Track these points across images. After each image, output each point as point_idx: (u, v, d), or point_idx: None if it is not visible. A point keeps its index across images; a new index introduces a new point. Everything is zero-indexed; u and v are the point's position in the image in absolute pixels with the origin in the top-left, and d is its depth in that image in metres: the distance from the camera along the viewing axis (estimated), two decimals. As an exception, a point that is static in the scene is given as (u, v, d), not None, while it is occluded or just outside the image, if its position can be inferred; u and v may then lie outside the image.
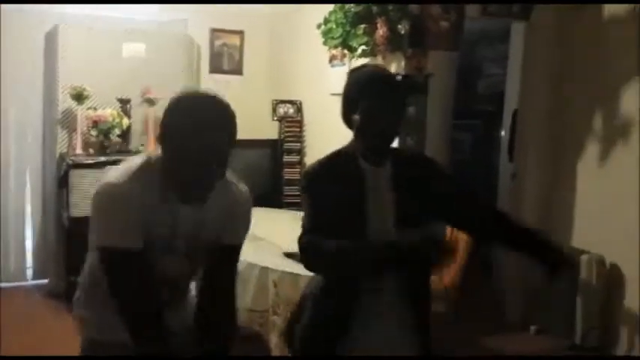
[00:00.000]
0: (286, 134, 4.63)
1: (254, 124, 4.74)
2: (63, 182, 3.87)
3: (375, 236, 1.61)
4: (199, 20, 4.69)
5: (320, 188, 1.66)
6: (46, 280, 4.24)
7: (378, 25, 3.44)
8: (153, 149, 4.20)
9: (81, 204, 3.81)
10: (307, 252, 1.63)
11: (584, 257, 3.13)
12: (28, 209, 4.33)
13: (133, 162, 1.44)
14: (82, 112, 4.04)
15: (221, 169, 1.40)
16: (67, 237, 3.93)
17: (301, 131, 4.69)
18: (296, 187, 4.60)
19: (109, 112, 4.06)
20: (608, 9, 3.24)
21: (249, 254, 2.45)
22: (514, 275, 3.75)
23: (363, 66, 1.88)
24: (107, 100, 4.19)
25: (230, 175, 1.54)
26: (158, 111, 4.34)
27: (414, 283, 1.68)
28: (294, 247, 2.67)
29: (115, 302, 1.41)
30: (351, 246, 1.57)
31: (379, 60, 3.54)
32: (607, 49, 3.26)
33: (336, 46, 3.92)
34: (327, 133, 4.23)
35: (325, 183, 1.65)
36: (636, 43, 3.04)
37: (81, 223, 3.78)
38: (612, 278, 3.12)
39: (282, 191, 4.54)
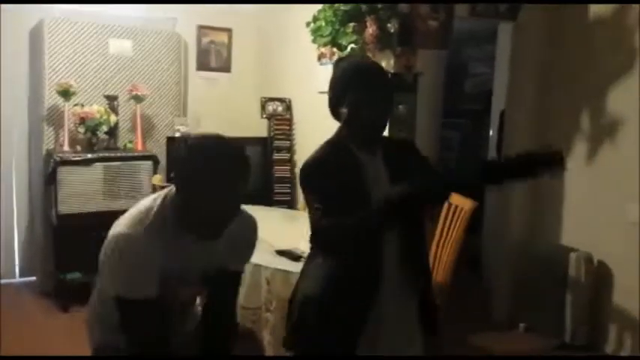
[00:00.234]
0: (276, 132, 4.63)
1: (243, 121, 4.73)
2: (51, 179, 3.83)
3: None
4: (187, 17, 4.66)
5: (321, 180, 1.64)
6: (34, 278, 4.20)
7: (368, 24, 3.45)
8: (141, 149, 4.19)
9: (69, 201, 3.79)
10: (331, 232, 1.59)
11: (572, 255, 3.17)
12: (15, 207, 4.28)
13: (145, 205, 1.47)
14: (69, 109, 4.00)
15: (235, 210, 1.45)
16: (55, 234, 3.90)
17: (291, 129, 4.69)
18: (286, 185, 4.61)
19: (96, 109, 4.02)
20: (594, 9, 3.28)
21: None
22: (502, 272, 3.79)
23: (350, 56, 1.88)
24: (94, 97, 4.16)
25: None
26: (146, 108, 4.33)
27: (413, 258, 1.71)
28: (286, 245, 2.70)
29: (128, 341, 1.46)
30: (360, 214, 1.55)
31: (369, 58, 3.55)
32: (593, 49, 3.31)
33: (325, 45, 3.92)
34: (317, 131, 4.22)
35: (325, 174, 1.64)
36: (622, 42, 3.09)
37: (69, 219, 3.78)
38: (600, 276, 3.16)
39: (272, 189, 4.54)
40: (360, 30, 3.53)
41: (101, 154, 3.97)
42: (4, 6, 4.03)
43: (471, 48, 6.02)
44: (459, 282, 3.04)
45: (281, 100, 4.70)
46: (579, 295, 3.16)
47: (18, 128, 4.25)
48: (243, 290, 2.52)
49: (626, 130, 3.12)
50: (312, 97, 4.27)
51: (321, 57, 4.13)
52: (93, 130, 4.01)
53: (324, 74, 4.10)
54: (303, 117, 4.60)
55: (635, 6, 3.06)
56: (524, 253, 3.65)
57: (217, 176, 1.37)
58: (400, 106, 3.36)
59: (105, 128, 4.05)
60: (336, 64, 1.75)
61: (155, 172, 4.05)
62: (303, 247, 2.33)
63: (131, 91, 4.18)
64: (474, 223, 3.21)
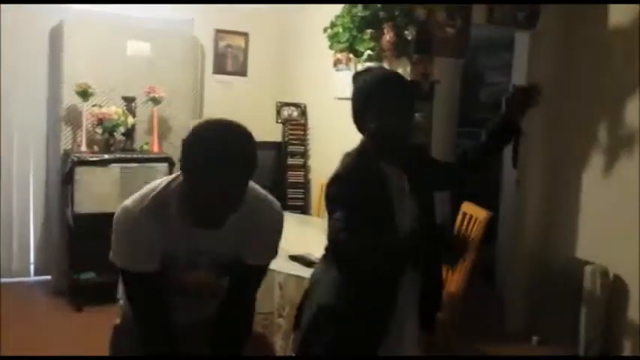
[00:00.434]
0: (290, 137, 4.64)
1: (257, 126, 4.71)
2: (68, 179, 3.87)
3: (401, 232, 1.64)
4: (204, 21, 4.70)
5: (348, 194, 1.62)
6: (48, 277, 4.24)
7: (385, 31, 3.46)
8: (157, 150, 4.22)
9: (85, 201, 3.82)
10: (352, 249, 1.59)
11: (587, 268, 3.14)
12: (32, 206, 4.33)
13: (153, 185, 1.50)
14: (87, 110, 4.04)
15: (237, 200, 1.42)
16: (70, 234, 3.94)
17: (305, 134, 4.70)
18: (300, 190, 4.61)
19: (113, 110, 4.06)
20: (612, 19, 3.26)
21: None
22: (516, 284, 3.75)
23: (369, 69, 1.88)
24: (112, 98, 4.20)
25: (262, 192, 1.58)
26: (162, 110, 4.36)
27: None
28: (299, 250, 2.70)
29: (133, 315, 1.53)
30: (384, 242, 1.59)
31: (385, 65, 3.55)
32: (610, 60, 3.28)
33: (342, 51, 3.94)
34: (331, 137, 4.25)
35: (353, 188, 1.63)
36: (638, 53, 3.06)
37: (85, 220, 3.81)
38: (616, 289, 3.12)
39: (285, 194, 4.55)
40: (377, 37, 3.54)
41: (118, 155, 4.01)
42: (24, 5, 4.09)
43: (486, 56, 5.99)
44: (472, 293, 3.02)
45: (296, 105, 4.71)
46: (594, 308, 3.12)
47: (36, 128, 4.30)
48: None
49: (643, 142, 3.09)
50: (327, 102, 4.29)
51: (337, 63, 4.14)
52: (110, 131, 4.05)
53: (340, 80, 4.11)
54: (318, 122, 4.61)
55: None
56: (538, 264, 3.62)
57: (212, 163, 1.34)
58: (416, 114, 3.35)
59: (122, 129, 4.09)
60: (357, 77, 1.74)
61: (170, 173, 4.07)
62: (317, 252, 2.33)
63: (148, 93, 4.22)
64: (489, 234, 3.20)
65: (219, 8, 4.68)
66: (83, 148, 4.01)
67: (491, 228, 3.27)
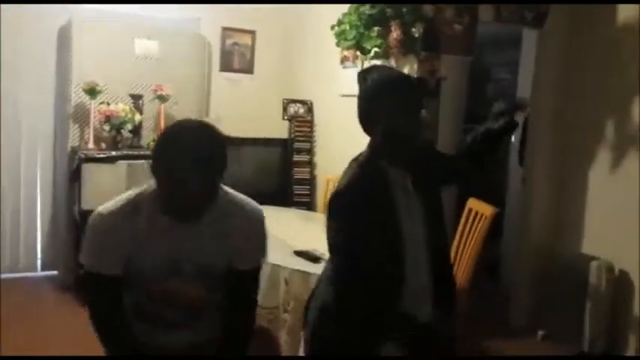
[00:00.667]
0: (296, 134, 4.65)
1: (264, 123, 4.77)
2: (75, 176, 3.90)
3: (407, 237, 1.63)
4: (211, 19, 4.71)
5: (352, 210, 1.60)
6: (55, 272, 4.27)
7: (392, 28, 3.46)
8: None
9: (92, 198, 3.83)
10: (340, 276, 1.62)
11: (593, 263, 3.14)
12: (39, 202, 4.37)
13: (128, 193, 1.56)
14: (95, 107, 4.07)
15: (207, 196, 1.46)
16: (77, 230, 3.96)
17: (311, 131, 4.71)
18: (306, 187, 4.63)
19: (121, 107, 4.09)
20: (620, 18, 3.25)
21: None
22: (522, 279, 3.75)
23: (375, 68, 1.84)
24: (119, 96, 4.22)
25: (239, 196, 1.60)
26: (169, 107, 4.38)
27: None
28: (304, 246, 2.72)
29: (91, 319, 1.56)
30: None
31: (392, 62, 3.56)
32: (618, 58, 3.27)
33: (349, 48, 3.94)
34: (337, 134, 4.26)
35: (356, 204, 1.60)
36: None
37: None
38: (621, 285, 3.12)
39: (291, 190, 4.57)
40: (384, 34, 3.54)
41: (125, 152, 4.03)
42: (32, 4, 4.11)
43: (493, 53, 5.98)
44: (477, 288, 3.02)
45: (303, 103, 4.72)
46: (599, 304, 3.12)
47: (43, 125, 4.32)
48: (261, 290, 2.55)
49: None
50: (333, 99, 4.29)
51: (344, 60, 4.15)
52: (118, 128, 4.07)
53: (346, 77, 4.11)
54: (324, 119, 4.62)
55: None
56: (544, 260, 3.62)
57: (184, 158, 1.38)
58: (423, 111, 3.35)
59: (129, 127, 4.11)
60: (363, 77, 1.70)
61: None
62: (322, 248, 2.34)
63: (156, 90, 4.24)
64: (494, 230, 3.20)
65: (226, 6, 4.69)
66: (90, 145, 4.04)
67: (496, 224, 3.27)
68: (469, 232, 3.02)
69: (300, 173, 4.61)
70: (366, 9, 3.64)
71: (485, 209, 2.99)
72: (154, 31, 4.40)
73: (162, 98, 4.25)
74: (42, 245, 4.41)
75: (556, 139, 3.66)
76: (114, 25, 4.28)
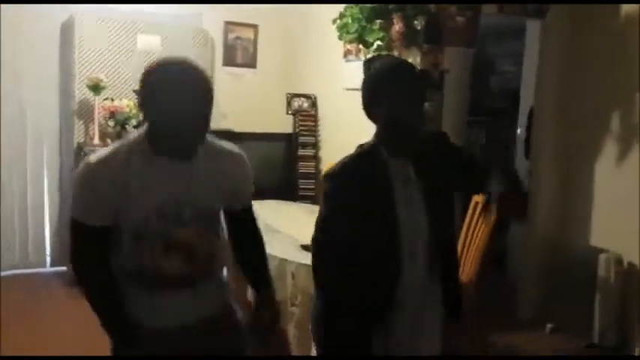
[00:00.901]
0: (301, 128, 4.66)
1: (268, 117, 4.77)
2: (80, 172, 3.90)
3: (404, 228, 1.62)
4: (213, 13, 4.71)
5: (343, 191, 1.63)
6: (64, 268, 4.29)
7: (394, 21, 3.45)
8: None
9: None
10: (317, 253, 1.67)
11: (602, 256, 3.13)
12: (46, 198, 4.39)
13: (120, 140, 1.56)
14: (99, 103, 4.08)
15: (201, 126, 1.47)
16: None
17: (316, 125, 4.72)
18: (311, 181, 4.63)
19: (125, 103, 4.10)
20: (625, 9, 3.23)
21: (267, 246, 2.48)
22: (530, 272, 3.75)
23: (380, 56, 1.84)
24: (123, 91, 4.23)
25: (222, 142, 1.64)
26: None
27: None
28: (310, 240, 2.72)
29: (73, 267, 1.53)
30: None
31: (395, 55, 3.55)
32: (624, 49, 3.25)
33: (351, 41, 3.93)
34: (342, 128, 4.26)
35: (348, 185, 1.62)
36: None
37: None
38: (630, 277, 3.11)
39: (297, 184, 4.57)
40: (386, 27, 3.53)
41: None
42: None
43: (496, 45, 5.95)
44: (484, 281, 3.02)
45: (306, 97, 4.72)
46: (608, 296, 3.11)
47: (49, 122, 4.34)
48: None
49: (657, 130, 3.06)
50: (337, 93, 4.29)
51: (347, 54, 4.15)
52: (122, 123, 4.08)
53: (350, 71, 4.11)
54: (328, 113, 4.62)
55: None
56: (552, 252, 3.61)
57: (176, 93, 1.40)
58: (426, 104, 3.35)
59: (134, 122, 4.12)
60: (367, 65, 1.71)
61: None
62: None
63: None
64: (501, 222, 3.20)
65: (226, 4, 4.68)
66: (96, 141, 4.05)
67: (503, 217, 3.27)
68: (476, 224, 3.02)
69: (305, 167, 4.62)
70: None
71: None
72: (156, 26, 4.40)
73: (165, 94, 4.24)
74: (51, 241, 4.43)
75: (562, 131, 3.64)
76: (116, 20, 4.29)
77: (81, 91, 4.16)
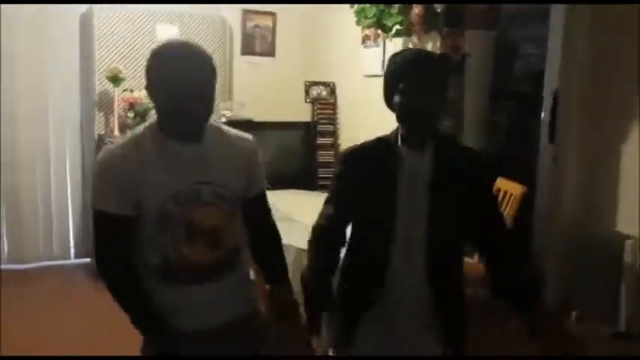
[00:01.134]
0: (319, 116, 4.62)
1: (286, 106, 4.74)
2: (101, 164, 3.93)
3: (402, 224, 1.59)
4: (232, 2, 4.68)
5: (349, 173, 1.66)
6: (88, 260, 4.36)
7: (413, 4, 3.38)
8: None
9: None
10: (312, 233, 1.74)
11: (628, 242, 3.05)
12: (69, 190, 4.43)
13: (136, 129, 1.57)
14: (119, 94, 4.09)
15: (203, 104, 1.48)
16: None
17: (335, 113, 4.67)
18: (330, 170, 4.60)
19: (144, 94, 4.10)
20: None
21: (284, 236, 2.45)
22: (554, 259, 3.68)
23: (405, 50, 1.84)
24: (142, 82, 4.22)
25: (236, 130, 1.66)
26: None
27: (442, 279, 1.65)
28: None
29: (97, 262, 1.52)
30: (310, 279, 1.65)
31: (414, 39, 3.49)
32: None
33: (369, 26, 3.87)
34: (361, 115, 4.21)
35: (358, 167, 1.65)
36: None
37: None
38: (656, 263, 3.04)
39: (316, 174, 4.54)
40: (405, 10, 3.46)
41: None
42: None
43: (520, 27, 5.81)
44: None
45: (325, 84, 4.68)
46: (635, 283, 3.04)
47: (70, 114, 4.38)
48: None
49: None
50: (356, 80, 4.24)
51: (365, 39, 4.09)
52: (142, 115, 4.09)
53: (368, 57, 4.06)
54: (347, 101, 4.57)
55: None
56: (577, 239, 3.53)
57: (175, 73, 1.42)
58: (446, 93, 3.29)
59: (153, 113, 4.12)
60: (391, 58, 1.69)
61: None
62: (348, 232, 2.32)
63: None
64: (524, 209, 3.14)
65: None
66: (116, 132, 4.07)
67: (526, 203, 3.21)
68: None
69: (324, 156, 4.58)
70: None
71: (515, 188, 2.93)
72: (174, 16, 4.40)
73: (184, 84, 4.24)
74: (74, 233, 4.49)
75: (588, 115, 3.54)
76: (134, 10, 4.29)
77: (101, 83, 4.18)
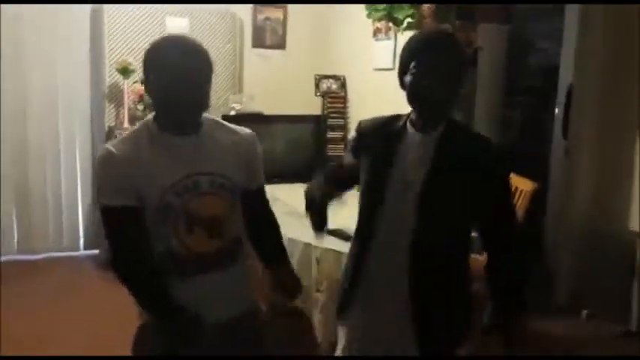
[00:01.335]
0: (330, 110, 4.58)
1: (296, 99, 4.71)
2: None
3: (391, 203, 1.56)
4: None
5: (359, 141, 1.70)
6: (97, 251, 4.37)
7: (425, -2, 3.34)
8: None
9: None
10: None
11: (640, 240, 3.01)
12: (79, 182, 4.45)
13: (135, 126, 1.60)
14: (128, 87, 4.09)
15: (199, 95, 1.50)
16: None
17: (345, 107, 4.64)
18: (339, 164, 4.57)
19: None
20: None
21: (292, 230, 2.44)
22: (566, 257, 3.64)
23: (427, 29, 1.79)
24: (152, 75, 4.22)
25: (234, 125, 1.69)
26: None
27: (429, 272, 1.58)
28: (337, 224, 2.66)
29: (111, 255, 1.53)
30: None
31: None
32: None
33: (380, 19, 3.83)
34: (372, 109, 4.17)
35: (367, 137, 1.68)
36: None
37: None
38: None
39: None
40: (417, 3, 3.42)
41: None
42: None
43: (534, 22, 5.73)
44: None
45: (335, 78, 4.64)
46: (647, 282, 3.00)
47: (81, 106, 4.38)
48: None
49: None
50: (367, 74, 4.20)
51: (376, 32, 4.04)
52: (151, 107, 4.08)
53: (379, 51, 4.01)
54: (357, 95, 4.53)
55: None
56: (589, 236, 3.49)
57: (169, 68, 1.45)
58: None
59: (160, 106, 4.12)
60: (411, 36, 1.64)
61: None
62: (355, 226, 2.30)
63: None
64: (536, 206, 3.09)
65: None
66: (126, 124, 4.07)
67: (538, 200, 3.16)
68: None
69: (334, 150, 4.55)
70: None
71: (526, 184, 2.88)
72: (184, 8, 4.39)
73: (194, 76, 4.23)
74: (84, 225, 4.50)
75: (601, 110, 3.49)
76: (144, 4, 4.27)
77: (111, 75, 4.18)
